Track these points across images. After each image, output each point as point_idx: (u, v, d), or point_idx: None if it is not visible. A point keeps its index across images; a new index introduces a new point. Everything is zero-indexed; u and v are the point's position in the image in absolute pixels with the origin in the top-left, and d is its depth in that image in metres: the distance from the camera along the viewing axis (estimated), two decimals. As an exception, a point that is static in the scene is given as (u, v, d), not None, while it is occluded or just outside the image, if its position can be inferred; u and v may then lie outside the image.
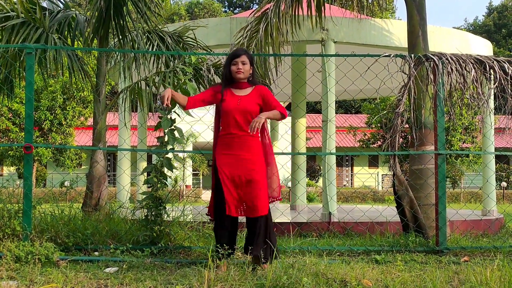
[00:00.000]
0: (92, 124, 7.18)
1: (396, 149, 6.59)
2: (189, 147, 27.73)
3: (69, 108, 28.99)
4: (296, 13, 8.41)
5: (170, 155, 6.22)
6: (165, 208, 6.14)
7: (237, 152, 5.07)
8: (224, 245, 5.04)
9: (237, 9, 56.84)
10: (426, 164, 7.41)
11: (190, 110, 5.86)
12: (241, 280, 4.55)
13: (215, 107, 5.35)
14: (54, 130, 29.04)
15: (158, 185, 6.08)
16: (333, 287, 4.33)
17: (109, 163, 32.17)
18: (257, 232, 5.04)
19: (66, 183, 25.15)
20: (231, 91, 5.20)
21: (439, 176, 6.53)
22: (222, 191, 5.03)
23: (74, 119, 29.54)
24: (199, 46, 8.17)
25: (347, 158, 38.11)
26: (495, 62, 6.72)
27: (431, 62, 6.63)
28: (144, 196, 6.12)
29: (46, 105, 28.09)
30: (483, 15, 61.83)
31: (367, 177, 34.18)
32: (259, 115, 5.04)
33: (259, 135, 5.21)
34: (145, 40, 7.93)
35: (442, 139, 6.56)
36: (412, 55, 6.78)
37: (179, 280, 4.65)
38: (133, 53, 7.56)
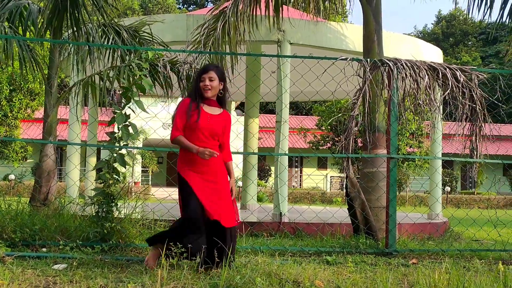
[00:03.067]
0: (39, 117, 7.00)
1: (350, 151, 6.65)
2: (139, 144, 27.41)
3: (15, 99, 28.23)
4: (254, 13, 8.41)
5: (123, 151, 6.12)
6: (117, 204, 6.04)
7: (203, 168, 4.94)
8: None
9: (192, 6, 56.54)
10: (378, 168, 7.52)
11: (145, 106, 5.79)
12: (194, 279, 4.51)
13: (176, 108, 5.18)
14: (-1, 122, 28.26)
15: (110, 181, 5.97)
16: (286, 288, 4.33)
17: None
18: (227, 243, 4.93)
19: (11, 177, 24.53)
20: (202, 108, 5.01)
21: (391, 180, 6.64)
22: (195, 200, 4.91)
23: (20, 111, 28.79)
24: (155, 41, 8.07)
25: (296, 159, 38.40)
26: (447, 69, 6.87)
27: (387, 67, 6.73)
28: (95, 192, 6.00)
29: (-10, 96, 27.29)
30: (432, 23, 63.39)
31: (317, 178, 34.53)
32: (233, 184, 5.11)
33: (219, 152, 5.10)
34: (100, 34, 7.78)
35: (395, 143, 6.67)
36: (368, 59, 6.87)
37: (130, 278, 4.57)
38: (88, 46, 7.39)
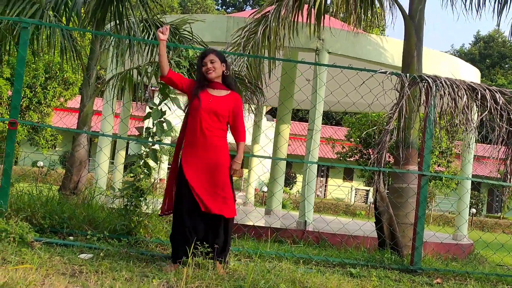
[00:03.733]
0: (72, 106, 7.07)
1: (382, 165, 6.59)
2: (167, 141, 27.57)
3: (50, 87, 28.62)
4: (296, 20, 8.41)
5: (156, 146, 6.16)
6: (146, 199, 6.07)
7: (202, 153, 4.97)
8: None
9: (230, 8, 56.76)
10: (409, 184, 7.44)
11: (181, 105, 5.82)
12: (219, 280, 4.51)
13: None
14: (32, 108, 28.65)
15: (141, 176, 6.01)
16: (309, 297, 4.30)
17: (84, 147, 31.81)
18: (220, 232, 4.97)
19: (40, 163, 24.85)
20: (206, 90, 5.09)
21: (421, 197, 6.56)
22: (187, 193, 4.94)
23: (54, 100, 29.16)
24: (195, 40, 8.11)
25: (323, 168, 38.26)
26: (487, 90, 6.77)
27: (425, 84, 6.66)
28: (123, 185, 6.04)
29: (26, 82, 27.67)
30: (470, 43, 62.67)
31: (344, 190, 34.35)
32: (236, 160, 5.02)
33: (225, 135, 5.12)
34: (141, 29, 7.84)
35: (428, 161, 6.59)
36: (407, 74, 6.80)
37: (155, 273, 4.59)
38: (129, 39, 7.46)
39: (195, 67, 7.13)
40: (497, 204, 38.03)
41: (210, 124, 4.98)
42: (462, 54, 58.43)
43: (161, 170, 27.82)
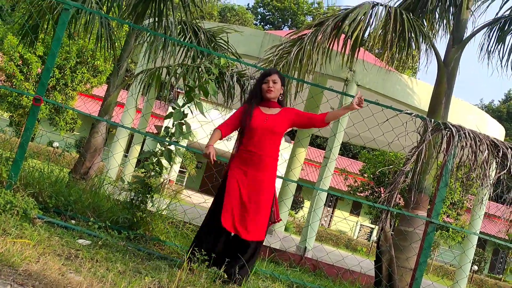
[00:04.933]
0: (96, 94, 7.12)
1: (391, 205, 6.55)
2: (184, 144, 27.68)
3: (79, 72, 28.91)
4: (331, 47, 8.43)
5: (172, 147, 6.18)
6: (152, 197, 6.09)
7: (252, 171, 4.95)
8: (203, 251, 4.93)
9: (268, 25, 57.08)
10: (416, 228, 7.39)
11: (205, 113, 5.87)
12: (210, 288, 4.50)
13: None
14: (58, 89, 28.93)
15: (152, 173, 6.03)
16: (297, 322, 4.27)
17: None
18: (244, 255, 4.92)
19: (55, 144, 25.04)
20: (259, 109, 5.10)
21: (425, 243, 6.50)
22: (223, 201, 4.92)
23: (80, 84, 29.43)
24: (229, 50, 8.17)
25: (331, 198, 38.11)
26: (509, 149, 6.72)
27: (449, 132, 6.63)
28: (134, 180, 6.07)
29: (57, 63, 27.99)
30: (499, 101, 62.34)
31: (349, 223, 34.17)
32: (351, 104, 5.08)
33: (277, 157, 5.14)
34: (178, 30, 7.92)
35: (438, 209, 6.54)
36: (432, 120, 6.78)
37: (149, 271, 4.58)
38: (164, 38, 7.53)
39: (224, 76, 7.22)
40: (500, 265, 37.56)
41: (265, 144, 4.99)
42: (490, 110, 58.12)
43: (173, 172, 27.91)
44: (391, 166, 8.52)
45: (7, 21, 31.77)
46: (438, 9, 9.06)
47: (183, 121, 6.05)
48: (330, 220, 38.27)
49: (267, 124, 5.01)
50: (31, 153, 7.22)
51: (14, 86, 27.32)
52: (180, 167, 31.74)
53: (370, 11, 8.15)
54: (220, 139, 5.12)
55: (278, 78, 5.15)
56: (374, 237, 31.64)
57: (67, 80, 28.78)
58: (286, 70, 8.06)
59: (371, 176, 28.87)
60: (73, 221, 5.79)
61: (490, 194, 7.45)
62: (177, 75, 7.26)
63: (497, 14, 8.86)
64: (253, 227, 4.89)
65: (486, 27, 8.80)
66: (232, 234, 4.94)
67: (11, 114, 28.42)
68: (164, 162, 6.19)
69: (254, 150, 4.97)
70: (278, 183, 19.81)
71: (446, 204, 29.59)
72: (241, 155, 5.04)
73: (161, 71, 7.66)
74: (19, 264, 3.63)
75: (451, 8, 9.00)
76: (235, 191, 4.93)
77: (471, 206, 23.91)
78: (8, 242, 4.04)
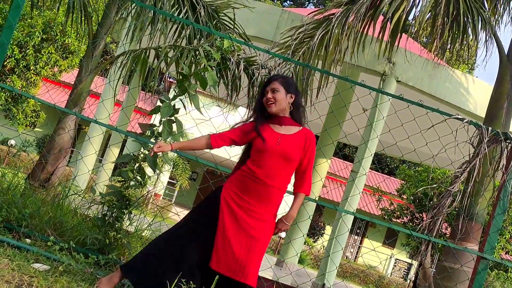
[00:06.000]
0: (66, 81, 7.14)
1: (434, 235, 6.54)
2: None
3: (44, 52, 28.96)
4: (365, 32, 8.43)
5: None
6: (130, 212, 6.10)
7: (253, 201, 4.89)
8: None
9: (288, 1, 57.15)
10: (463, 265, 7.38)
11: (201, 108, 5.87)
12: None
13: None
14: (17, 72, 29.03)
15: (131, 183, 6.04)
16: None
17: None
18: None
19: (12, 142, 25.14)
20: (270, 127, 5.04)
21: (475, 284, 6.47)
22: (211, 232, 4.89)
23: (46, 68, 29.50)
24: (235, 31, 8.18)
25: (359, 224, 38.06)
26: None
27: (510, 144, 6.61)
28: (108, 190, 6.08)
29: (17, 39, 28.07)
30: None
31: (381, 256, 34.07)
32: (287, 219, 5.02)
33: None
34: (172, 2, 7.93)
35: (493, 242, 6.51)
36: (490, 128, 6.77)
37: (122, 308, 4.61)
38: (154, 12, 7.55)
39: (227, 63, 7.23)
40: None
41: (275, 172, 4.93)
42: None
43: (159, 183, 27.94)
44: (435, 185, 8.47)
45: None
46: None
47: (173, 118, 6.06)
48: (357, 252, 38.20)
49: (280, 147, 4.93)
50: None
51: (-38, 67, 27.45)
52: (170, 178, 31.78)
53: (416, -13, 8.17)
54: (205, 148, 5.11)
55: (279, 86, 5.04)
56: (411, 274, 31.51)
57: (30, 61, 28.83)
58: (308, 59, 8.07)
59: (411, 197, 28.81)
60: (28, 240, 5.80)
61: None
62: (168, 59, 7.25)
63: None
64: (246, 265, 4.83)
65: None
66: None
67: (-43, 102, 28.63)
68: (148, 170, 6.20)
69: (261, 177, 4.88)
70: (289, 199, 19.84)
71: (505, 237, 29.47)
72: (243, 178, 4.96)
73: (148, 53, 7.66)
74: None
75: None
76: (228, 225, 4.87)
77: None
78: None
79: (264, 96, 5.07)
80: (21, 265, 4.89)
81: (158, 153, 6.10)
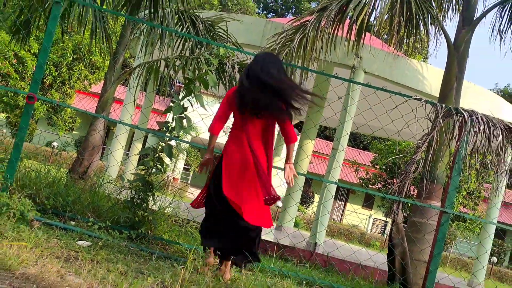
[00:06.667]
0: (95, 91, 7.12)
1: (403, 196, 6.53)
2: (187, 139, 27.64)
3: (76, 69, 28.96)
4: (335, 33, 8.40)
5: (172, 142, 6.18)
6: (154, 194, 6.09)
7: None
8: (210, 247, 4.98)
9: (271, 14, 56.95)
10: (429, 219, 7.37)
11: (206, 105, 5.86)
12: (216, 287, 4.50)
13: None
14: (55, 87, 29.00)
15: (153, 170, 6.03)
16: (307, 320, 4.27)
17: (101, 135, 32.06)
18: (246, 240, 4.93)
19: (54, 144, 25.10)
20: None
21: (439, 234, 6.47)
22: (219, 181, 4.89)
23: (78, 82, 29.49)
24: (229, 40, 8.14)
25: (343, 192, 38.09)
26: (526, 133, 6.68)
27: (461, 117, 6.59)
28: (134, 177, 6.07)
29: (53, 60, 28.06)
30: (516, 84, 62.04)
31: (361, 217, 34.14)
32: (290, 164, 5.05)
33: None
34: (176, 21, 7.90)
35: (452, 198, 6.50)
36: (443, 105, 6.74)
37: (151, 271, 4.59)
38: (161, 29, 7.51)
39: (224, 67, 7.20)
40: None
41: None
42: (506, 95, 57.81)
43: (176, 169, 27.92)
44: (402, 155, 8.47)
45: (-1, 19, 31.82)
46: (446, -11, 9.00)
47: (183, 115, 6.04)
48: (341, 214, 38.25)
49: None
50: (28, 153, 7.23)
51: (9, 86, 27.41)
52: (185, 164, 31.76)
53: (376, -6, 8.11)
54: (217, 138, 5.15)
55: None
56: (388, 230, 31.58)
57: (64, 77, 28.84)
58: (289, 59, 8.04)
59: (383, 167, 28.82)
60: (72, 222, 5.80)
61: (506, 182, 7.41)
62: (176, 67, 7.23)
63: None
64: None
65: (498, 6, 8.74)
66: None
67: (7, 115, 28.54)
68: (166, 159, 6.19)
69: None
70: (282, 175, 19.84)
71: (462, 194, 29.51)
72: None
73: (159, 64, 7.64)
74: (16, 267, 3.64)
75: (460, -13, 8.94)
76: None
77: (488, 195, 23.86)
78: (4, 245, 4.05)
79: None
80: (68, 243, 4.88)
81: (172, 145, 6.12)
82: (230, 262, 4.94)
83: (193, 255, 4.79)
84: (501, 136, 6.60)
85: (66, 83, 29.09)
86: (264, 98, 4.72)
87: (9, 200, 5.24)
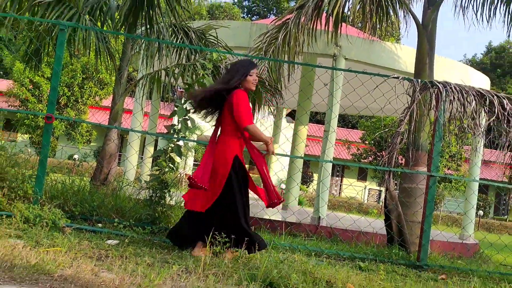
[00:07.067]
0: (106, 105, 7.12)
1: (392, 165, 6.53)
2: (194, 138, 27.62)
3: (86, 87, 28.99)
4: (314, 27, 8.36)
5: (180, 142, 6.18)
6: (169, 191, 6.10)
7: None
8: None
9: (255, 16, 56.78)
10: (418, 184, 7.38)
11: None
12: (234, 268, 4.51)
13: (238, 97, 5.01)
14: (69, 106, 29.03)
15: (166, 169, 6.04)
16: (319, 286, 4.27)
17: (116, 143, 32.04)
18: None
19: (75, 156, 25.14)
20: None
21: (429, 196, 6.49)
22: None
23: (90, 98, 29.53)
24: (220, 45, 8.12)
25: (338, 168, 38.09)
26: (495, 97, 6.67)
27: (436, 89, 6.58)
28: (150, 178, 6.08)
29: (65, 82, 28.12)
30: (482, 54, 61.92)
31: (356, 189, 34.16)
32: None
33: None
34: (170, 33, 7.88)
35: (436, 162, 6.51)
36: (419, 80, 6.73)
37: (176, 260, 4.60)
38: (158, 42, 7.49)
39: (219, 69, 7.17)
40: (503, 207, 37.52)
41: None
42: (474, 64, 57.73)
43: (187, 166, 27.92)
44: (387, 130, 8.48)
45: (12, 51, 31.78)
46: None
47: (187, 117, 6.04)
48: (339, 188, 38.29)
49: None
50: (53, 168, 7.24)
51: (28, 109, 27.43)
52: (194, 161, 31.75)
53: (346, -13, 8.07)
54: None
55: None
56: (383, 198, 31.63)
57: (77, 96, 28.88)
58: (276, 55, 8.01)
59: (372, 142, 28.83)
60: (99, 225, 5.82)
61: (483, 142, 7.41)
62: (175, 75, 7.22)
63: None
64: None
65: (457, -14, 8.69)
66: None
67: (30, 135, 28.59)
68: (177, 158, 6.20)
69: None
70: (285, 161, 19.81)
71: (445, 158, 29.54)
72: (242, 144, 5.04)
73: (160, 73, 7.62)
74: (54, 270, 3.64)
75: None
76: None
77: (468, 156, 23.86)
78: (41, 252, 4.06)
79: (250, 76, 5.00)
80: (98, 243, 4.90)
81: (181, 145, 6.12)
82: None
83: (211, 241, 4.81)
84: (474, 101, 6.59)
85: (79, 100, 29.13)
86: None
87: (41, 211, 5.27)
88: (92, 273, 3.74)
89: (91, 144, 31.80)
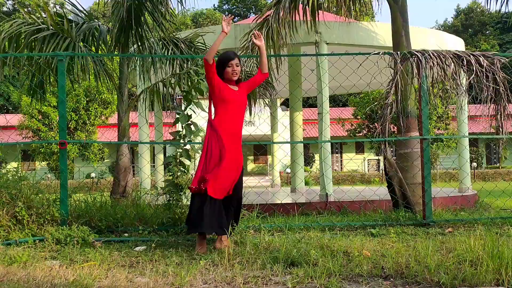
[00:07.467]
0: (113, 122, 7.11)
1: (387, 135, 6.54)
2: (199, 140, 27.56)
3: (91, 109, 29.03)
4: (294, 19, 8.34)
5: (187, 146, 6.19)
6: (185, 193, 6.10)
7: (237, 141, 5.03)
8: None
9: (236, 18, 56.60)
10: (413, 148, 7.38)
11: (206, 108, 5.84)
12: (257, 254, 4.52)
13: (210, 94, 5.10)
14: (79, 128, 29.06)
15: (178, 173, 6.05)
16: (337, 258, 4.28)
17: (128, 156, 32.06)
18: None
19: (92, 175, 25.17)
20: (228, 86, 5.01)
21: (425, 158, 6.50)
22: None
23: (96, 119, 29.55)
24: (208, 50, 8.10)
25: (337, 145, 38.09)
26: (471, 56, 6.67)
27: (415, 58, 6.57)
28: (165, 184, 6.08)
29: (71, 107, 28.16)
30: (452, 17, 61.73)
31: (356, 162, 34.18)
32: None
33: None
34: (161, 46, 7.86)
35: (427, 126, 6.52)
36: (398, 52, 6.72)
37: (201, 256, 4.62)
38: (151, 57, 7.48)
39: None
40: (494, 156, 37.52)
41: (240, 115, 5.01)
42: (446, 27, 57.54)
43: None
44: (377, 103, 8.50)
45: (17, 86, 31.80)
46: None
47: (189, 122, 6.05)
48: (341, 164, 38.30)
49: (237, 97, 5.00)
50: (74, 189, 7.26)
51: (42, 138, 27.45)
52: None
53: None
54: (207, 62, 4.89)
55: (239, 61, 5.06)
56: (382, 166, 31.64)
57: (84, 118, 28.90)
58: (262, 51, 7.98)
59: (364, 116, 28.80)
60: (125, 234, 5.83)
61: (467, 99, 7.40)
62: (172, 84, 7.22)
63: None
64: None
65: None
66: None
67: (47, 162, 28.65)
68: (186, 161, 6.20)
69: (235, 120, 4.99)
70: (287, 148, 19.84)
71: (434, 120, 29.51)
72: (227, 126, 4.96)
73: (158, 85, 7.62)
74: (91, 284, 3.66)
75: None
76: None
77: (455, 114, 23.83)
78: (77, 268, 4.08)
79: (227, 67, 4.98)
80: (127, 251, 4.91)
81: (188, 149, 6.12)
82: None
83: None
84: (452, 64, 6.59)
85: (87, 122, 29.14)
86: None
87: (70, 231, 5.28)
88: (127, 280, 3.75)
89: (105, 160, 31.83)
